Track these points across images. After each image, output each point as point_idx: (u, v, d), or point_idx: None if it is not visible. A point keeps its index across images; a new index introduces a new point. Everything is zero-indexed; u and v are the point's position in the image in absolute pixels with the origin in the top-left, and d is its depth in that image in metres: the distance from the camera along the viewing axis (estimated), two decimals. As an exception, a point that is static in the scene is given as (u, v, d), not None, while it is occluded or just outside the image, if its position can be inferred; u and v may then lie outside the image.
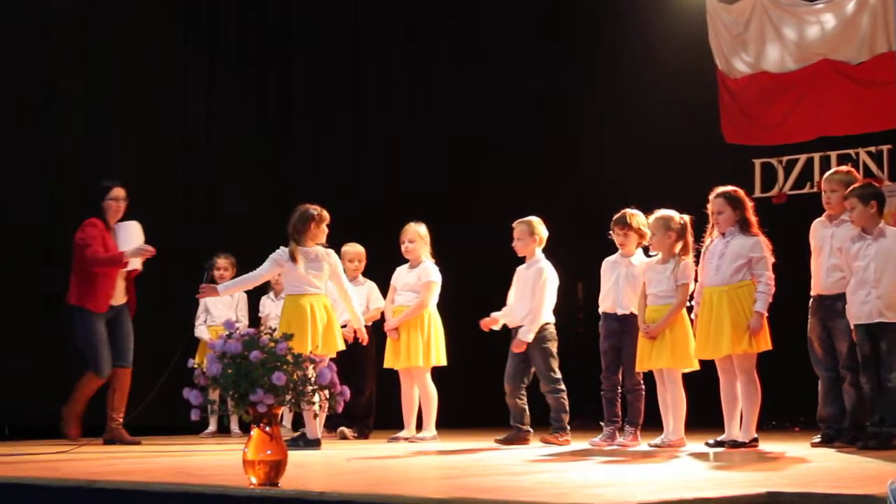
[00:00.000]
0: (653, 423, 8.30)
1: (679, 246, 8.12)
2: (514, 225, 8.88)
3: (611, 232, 8.51)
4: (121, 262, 8.96)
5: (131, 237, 9.07)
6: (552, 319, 8.82)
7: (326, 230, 8.57)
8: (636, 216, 8.43)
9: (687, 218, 8.17)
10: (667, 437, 8.03)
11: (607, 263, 8.55)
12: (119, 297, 9.17)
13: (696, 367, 8.10)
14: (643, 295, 8.21)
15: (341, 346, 8.57)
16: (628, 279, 8.38)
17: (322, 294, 8.45)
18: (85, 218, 9.11)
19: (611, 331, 8.43)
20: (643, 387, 8.35)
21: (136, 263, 9.06)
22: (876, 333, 7.49)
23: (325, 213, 8.55)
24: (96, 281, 8.99)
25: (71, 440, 8.79)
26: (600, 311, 8.56)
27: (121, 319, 9.17)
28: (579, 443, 8.45)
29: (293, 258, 8.35)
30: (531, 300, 8.71)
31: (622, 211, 8.49)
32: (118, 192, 9.17)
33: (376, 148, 12.53)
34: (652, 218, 8.20)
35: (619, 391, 8.43)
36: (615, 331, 8.40)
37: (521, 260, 8.93)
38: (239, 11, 12.09)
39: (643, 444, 8.14)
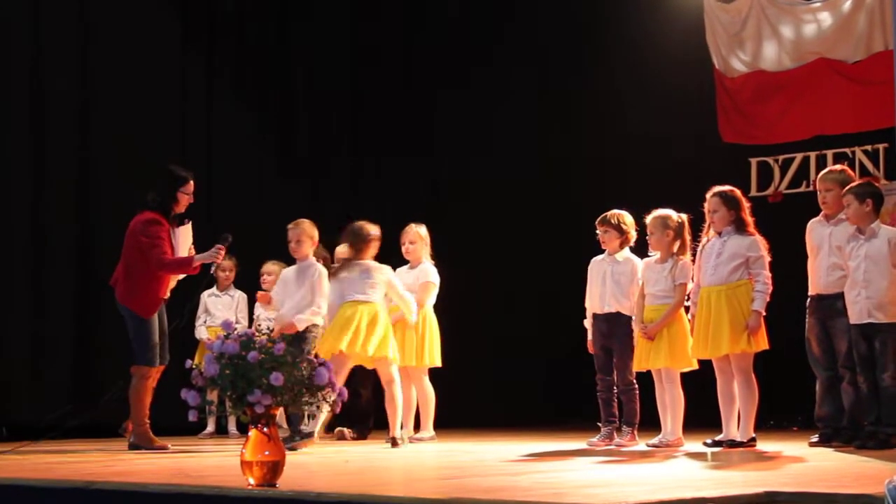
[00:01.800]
0: (651, 422, 8.30)
1: (677, 245, 8.12)
2: (289, 227, 8.81)
3: (596, 231, 8.50)
4: (190, 268, 8.38)
5: (186, 241, 8.53)
6: (321, 322, 8.70)
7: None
8: (619, 215, 8.42)
9: (685, 216, 8.17)
10: (665, 436, 8.03)
11: (594, 263, 8.54)
12: (167, 292, 8.63)
13: (695, 366, 8.10)
14: (641, 295, 8.21)
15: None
16: (613, 278, 8.37)
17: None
18: (141, 211, 8.45)
19: (599, 332, 8.42)
20: (636, 386, 8.35)
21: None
22: (868, 334, 7.50)
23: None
24: (149, 284, 8.41)
25: (155, 451, 8.26)
26: (589, 312, 8.54)
27: (161, 317, 8.57)
28: (577, 443, 8.45)
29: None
30: (305, 298, 8.63)
31: (610, 209, 8.49)
32: (191, 185, 8.57)
33: (375, 150, 12.56)
34: (650, 217, 8.20)
35: (615, 391, 8.42)
36: (603, 332, 8.39)
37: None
38: (238, 24, 12.10)
39: (641, 444, 8.13)
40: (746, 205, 7.96)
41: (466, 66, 12.54)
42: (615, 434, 8.33)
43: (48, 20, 10.65)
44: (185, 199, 8.55)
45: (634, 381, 8.35)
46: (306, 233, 8.79)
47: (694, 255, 8.07)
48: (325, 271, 8.73)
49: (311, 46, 12.37)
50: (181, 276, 8.65)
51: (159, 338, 8.51)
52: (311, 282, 8.65)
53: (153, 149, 10.94)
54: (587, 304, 8.53)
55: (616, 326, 8.33)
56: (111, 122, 10.85)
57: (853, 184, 7.73)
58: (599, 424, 8.44)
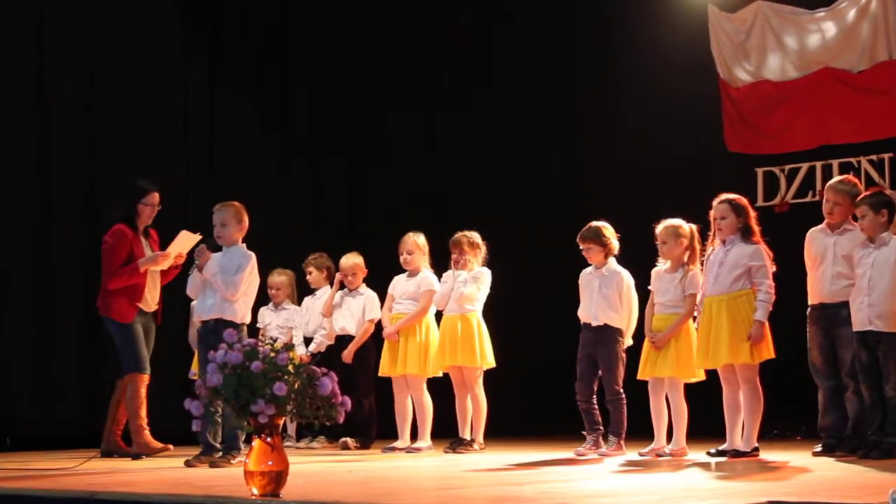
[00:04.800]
0: (639, 432, 8.30)
1: (687, 255, 8.14)
2: (214, 210, 8.05)
3: (580, 247, 8.53)
4: (137, 273, 8.66)
5: (177, 244, 8.70)
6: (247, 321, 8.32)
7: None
8: (599, 228, 8.45)
9: (694, 226, 8.18)
10: (657, 444, 8.04)
11: (583, 275, 8.58)
12: (152, 304, 8.88)
13: (702, 377, 8.10)
14: (651, 303, 8.23)
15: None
16: (602, 291, 8.41)
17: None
18: (113, 222, 8.82)
19: (587, 341, 8.46)
20: (623, 396, 8.36)
21: (165, 265, 8.70)
22: (869, 342, 7.49)
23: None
24: (120, 291, 8.71)
25: (157, 454, 8.52)
26: (581, 321, 8.56)
27: (148, 330, 8.85)
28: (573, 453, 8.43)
29: None
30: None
31: (588, 224, 8.52)
32: (154, 197, 8.89)
33: (379, 156, 12.57)
34: (661, 227, 8.20)
35: (594, 400, 8.44)
36: (590, 341, 8.43)
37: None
38: (240, 25, 12.12)
39: (628, 454, 8.13)
40: (753, 213, 7.97)
41: (469, 72, 12.53)
42: (601, 441, 8.34)
43: (53, 22, 10.66)
44: (146, 210, 8.86)
45: (621, 390, 8.36)
46: (235, 216, 7.94)
47: (702, 265, 8.07)
48: (254, 259, 7.94)
49: (313, 47, 12.38)
50: (172, 267, 8.84)
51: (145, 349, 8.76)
52: (239, 265, 7.85)
53: (158, 152, 10.97)
54: (579, 313, 8.56)
55: (603, 337, 8.38)
56: (116, 126, 10.86)
57: (866, 194, 7.71)
58: (584, 433, 8.44)
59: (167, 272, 8.94)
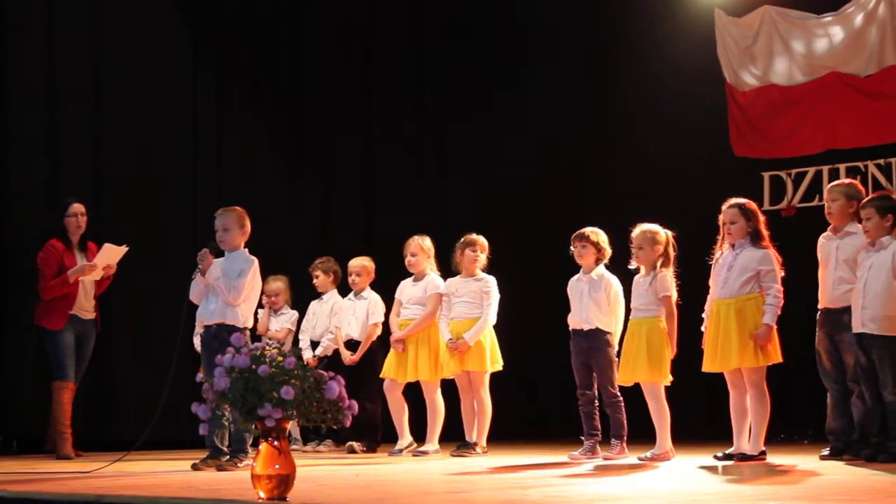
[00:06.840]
0: (642, 436, 8.30)
1: (661, 261, 8.16)
2: (217, 214, 7.99)
3: (571, 247, 8.56)
4: (67, 283, 9.17)
5: (103, 256, 9.20)
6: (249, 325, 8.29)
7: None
8: (597, 232, 8.53)
9: (669, 232, 8.21)
10: (659, 448, 8.04)
11: (571, 282, 8.62)
12: (88, 311, 9.37)
13: (670, 378, 8.10)
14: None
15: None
16: (591, 295, 8.44)
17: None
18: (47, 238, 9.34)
19: (580, 347, 8.49)
20: (621, 398, 8.37)
21: (96, 275, 9.23)
22: (864, 345, 7.49)
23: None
24: (54, 301, 9.22)
25: (71, 459, 8.88)
26: (570, 328, 8.60)
27: (85, 337, 9.34)
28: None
29: None
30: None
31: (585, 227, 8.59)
32: (76, 208, 9.37)
33: (385, 159, 12.58)
34: (636, 231, 8.22)
35: (596, 405, 8.46)
36: (583, 347, 8.46)
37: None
38: (247, 36, 12.14)
39: (631, 457, 8.13)
40: (762, 218, 7.98)
41: (478, 82, 12.54)
42: (597, 447, 8.34)
43: (60, 35, 10.66)
44: (72, 222, 9.35)
45: (618, 393, 8.37)
46: (237, 221, 7.87)
47: (707, 267, 8.08)
48: (257, 263, 7.89)
49: (322, 55, 12.39)
50: (106, 275, 9.35)
51: (80, 359, 9.31)
52: (241, 270, 7.79)
53: (166, 159, 10.98)
54: (569, 320, 8.59)
55: (595, 341, 8.41)
56: (124, 138, 10.86)
57: (873, 196, 7.71)
58: (582, 438, 8.44)
59: (100, 283, 9.43)
